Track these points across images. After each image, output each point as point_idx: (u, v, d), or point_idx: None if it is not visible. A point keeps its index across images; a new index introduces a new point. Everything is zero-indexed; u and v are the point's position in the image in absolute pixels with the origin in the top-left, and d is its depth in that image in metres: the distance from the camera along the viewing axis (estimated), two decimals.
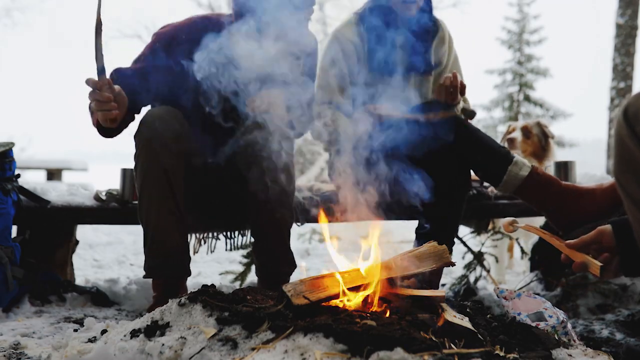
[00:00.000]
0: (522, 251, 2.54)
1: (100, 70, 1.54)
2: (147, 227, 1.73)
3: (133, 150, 1.76)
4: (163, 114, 1.74)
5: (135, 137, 1.75)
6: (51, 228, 2.22)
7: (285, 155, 1.80)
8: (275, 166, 1.76)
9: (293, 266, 1.89)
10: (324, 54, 2.23)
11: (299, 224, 2.06)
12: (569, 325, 1.51)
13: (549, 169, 2.60)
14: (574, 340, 1.44)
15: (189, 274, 1.78)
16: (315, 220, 2.17)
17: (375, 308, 1.25)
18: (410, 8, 2.12)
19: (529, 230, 1.44)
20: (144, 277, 1.76)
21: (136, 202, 2.14)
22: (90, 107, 1.68)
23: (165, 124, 1.71)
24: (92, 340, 1.34)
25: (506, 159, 1.90)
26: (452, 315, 1.18)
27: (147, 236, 1.74)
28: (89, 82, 1.56)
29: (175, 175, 1.73)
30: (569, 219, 1.85)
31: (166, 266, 1.73)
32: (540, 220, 2.28)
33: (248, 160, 1.78)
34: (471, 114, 2.17)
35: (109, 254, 3.81)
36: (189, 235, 1.89)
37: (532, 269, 2.50)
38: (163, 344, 1.13)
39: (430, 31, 2.24)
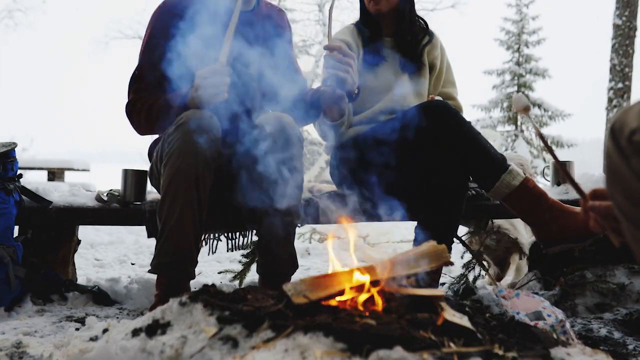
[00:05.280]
0: (521, 251, 2.55)
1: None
2: (164, 224, 1.74)
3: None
4: (204, 119, 1.75)
5: (171, 135, 1.76)
6: (53, 228, 2.23)
7: (294, 154, 1.82)
8: (283, 165, 1.78)
9: (295, 266, 1.91)
10: (324, 57, 2.30)
11: (299, 224, 2.07)
12: (568, 324, 1.53)
13: (548, 170, 2.61)
14: (573, 339, 1.45)
15: (194, 277, 1.79)
16: (314, 221, 2.19)
17: (375, 307, 1.26)
18: (378, 3, 2.19)
19: (542, 141, 1.14)
20: (149, 272, 1.76)
21: (137, 203, 2.16)
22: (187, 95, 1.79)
23: (206, 130, 1.73)
24: (93, 339, 1.34)
25: (501, 166, 1.91)
26: (451, 315, 1.19)
27: (163, 233, 1.74)
28: (220, 67, 1.75)
29: (205, 181, 1.75)
30: (550, 235, 1.87)
31: (174, 266, 1.74)
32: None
33: (256, 159, 1.80)
34: None
35: (111, 254, 3.82)
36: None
37: (530, 268, 2.52)
38: (164, 343, 1.14)
39: (421, 35, 2.33)
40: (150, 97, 1.88)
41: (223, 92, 1.76)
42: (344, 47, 1.87)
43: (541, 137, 1.12)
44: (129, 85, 1.95)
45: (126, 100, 1.95)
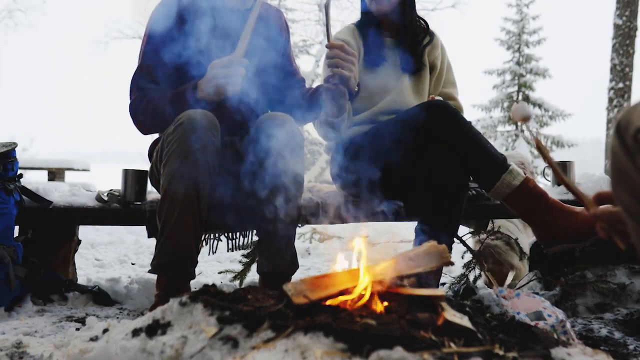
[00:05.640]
0: (521, 251, 2.55)
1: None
2: (164, 224, 1.74)
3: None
4: (203, 119, 1.74)
5: (170, 134, 1.75)
6: (53, 228, 2.23)
7: (295, 153, 1.82)
8: (284, 164, 1.78)
9: (295, 266, 1.91)
10: (324, 58, 2.32)
11: (299, 224, 2.07)
12: (568, 325, 1.53)
13: (548, 170, 2.61)
14: (573, 339, 1.45)
15: (194, 277, 1.79)
16: (314, 221, 2.19)
17: (375, 307, 1.26)
18: (380, 2, 2.20)
19: (543, 153, 1.09)
20: (149, 272, 1.77)
21: (137, 203, 2.16)
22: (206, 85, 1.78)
23: (205, 130, 1.73)
24: (93, 339, 1.34)
25: (502, 166, 1.91)
26: (451, 315, 1.19)
27: (163, 233, 1.74)
28: (238, 59, 1.75)
29: (205, 181, 1.75)
30: (550, 235, 1.87)
31: (174, 266, 1.74)
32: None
33: (256, 158, 1.80)
34: None
35: (111, 254, 3.82)
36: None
37: (531, 268, 2.52)
38: (164, 343, 1.14)
39: (422, 35, 2.32)
40: (155, 94, 1.88)
41: (237, 84, 1.76)
42: (346, 46, 1.87)
43: (539, 148, 1.11)
44: (131, 85, 1.94)
45: (129, 100, 1.94)
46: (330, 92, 1.89)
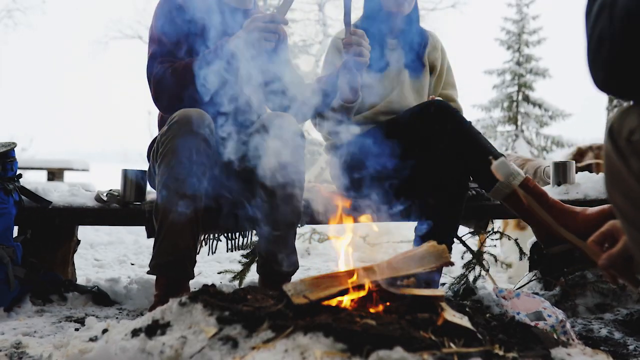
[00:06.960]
0: (521, 251, 2.55)
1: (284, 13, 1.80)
2: (161, 224, 1.74)
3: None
4: (197, 118, 1.74)
5: (164, 135, 1.75)
6: (52, 228, 2.23)
7: (295, 154, 1.82)
8: (285, 165, 1.78)
9: (295, 266, 1.90)
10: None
11: (299, 224, 2.07)
12: (568, 325, 1.53)
13: (548, 170, 2.61)
14: (573, 340, 1.45)
15: (193, 277, 1.79)
16: (315, 222, 2.19)
17: (374, 308, 1.26)
18: (401, 4, 2.20)
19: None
20: (148, 272, 1.77)
21: (137, 203, 2.16)
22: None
23: (199, 129, 1.72)
24: (93, 339, 1.34)
25: None
26: (451, 315, 1.18)
27: (160, 234, 1.74)
28: (280, 17, 1.76)
29: (200, 180, 1.74)
30: (550, 234, 1.87)
31: (173, 266, 1.74)
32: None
33: (257, 158, 1.80)
34: None
35: (110, 254, 3.82)
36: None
37: (530, 268, 2.51)
38: (164, 343, 1.14)
39: (422, 37, 2.33)
40: (180, 62, 1.84)
41: (273, 41, 1.76)
42: (365, 36, 1.89)
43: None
44: (149, 67, 1.90)
45: (149, 76, 1.91)
46: (348, 76, 1.91)
